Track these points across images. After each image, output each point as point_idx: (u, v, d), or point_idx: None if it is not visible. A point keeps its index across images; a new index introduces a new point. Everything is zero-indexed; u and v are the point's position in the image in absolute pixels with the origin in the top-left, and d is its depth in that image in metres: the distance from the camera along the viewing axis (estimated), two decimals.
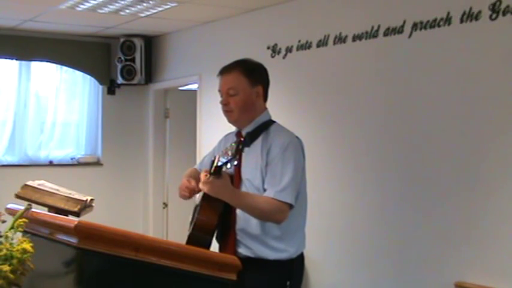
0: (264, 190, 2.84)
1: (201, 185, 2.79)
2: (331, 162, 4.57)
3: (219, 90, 2.99)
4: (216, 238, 2.96)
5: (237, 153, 2.64)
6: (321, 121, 4.63)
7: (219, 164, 2.67)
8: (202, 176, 2.80)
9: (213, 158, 2.80)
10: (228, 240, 2.91)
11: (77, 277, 2.16)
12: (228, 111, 2.99)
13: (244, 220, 2.87)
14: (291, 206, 2.82)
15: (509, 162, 3.46)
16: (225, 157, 2.64)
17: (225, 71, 3.01)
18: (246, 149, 2.91)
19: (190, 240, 2.79)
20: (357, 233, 4.36)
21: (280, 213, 2.80)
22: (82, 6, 5.16)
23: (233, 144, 2.66)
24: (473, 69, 3.64)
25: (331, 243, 4.55)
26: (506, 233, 3.46)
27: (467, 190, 3.66)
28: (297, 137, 2.99)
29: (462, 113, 3.70)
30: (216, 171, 2.71)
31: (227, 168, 2.74)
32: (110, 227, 2.15)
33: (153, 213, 6.88)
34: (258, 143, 2.93)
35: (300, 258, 2.99)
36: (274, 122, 3.04)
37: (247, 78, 2.95)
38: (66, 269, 2.27)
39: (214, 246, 2.90)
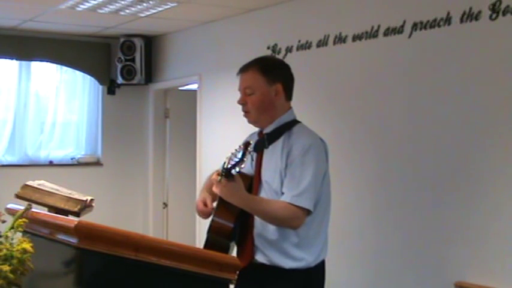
0: (283, 193, 2.72)
1: (213, 188, 2.70)
2: (330, 162, 4.55)
3: (239, 89, 2.90)
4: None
5: (244, 157, 2.53)
6: (320, 121, 4.62)
7: (228, 166, 2.59)
8: (214, 177, 2.71)
9: (225, 160, 2.68)
10: (246, 246, 2.79)
11: (77, 277, 2.16)
12: (246, 112, 2.87)
13: (261, 225, 2.75)
14: (308, 212, 2.69)
15: (509, 162, 3.46)
16: (234, 160, 2.56)
17: (242, 69, 2.90)
18: (265, 151, 2.81)
19: (208, 243, 2.71)
20: (357, 233, 4.36)
21: (296, 220, 2.68)
22: (82, 6, 5.16)
23: (241, 145, 2.57)
24: (473, 69, 3.64)
25: (331, 243, 4.54)
26: (506, 233, 3.45)
27: (468, 190, 3.65)
28: (321, 139, 2.86)
29: (462, 113, 3.70)
30: (226, 174, 2.62)
31: (241, 169, 2.61)
32: (109, 227, 2.15)
33: (153, 213, 6.88)
34: (278, 144, 2.80)
35: (320, 267, 2.86)
36: (298, 122, 2.90)
37: (264, 76, 2.83)
38: (66, 269, 2.26)
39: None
